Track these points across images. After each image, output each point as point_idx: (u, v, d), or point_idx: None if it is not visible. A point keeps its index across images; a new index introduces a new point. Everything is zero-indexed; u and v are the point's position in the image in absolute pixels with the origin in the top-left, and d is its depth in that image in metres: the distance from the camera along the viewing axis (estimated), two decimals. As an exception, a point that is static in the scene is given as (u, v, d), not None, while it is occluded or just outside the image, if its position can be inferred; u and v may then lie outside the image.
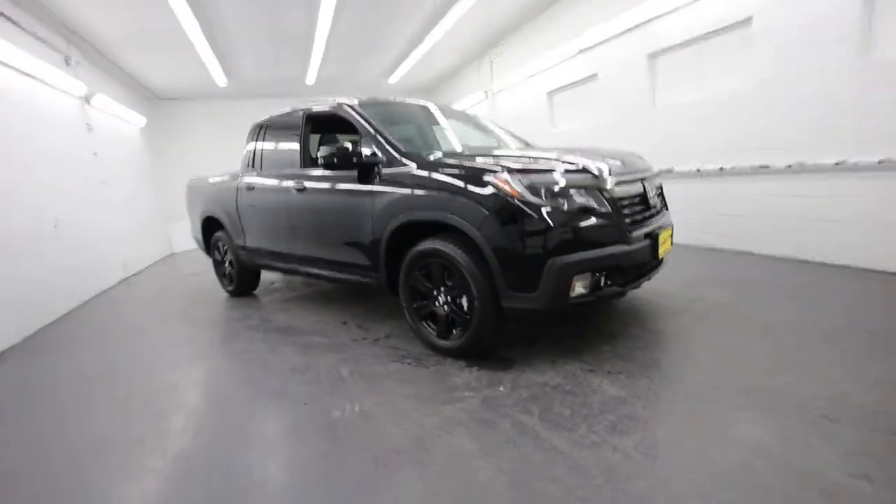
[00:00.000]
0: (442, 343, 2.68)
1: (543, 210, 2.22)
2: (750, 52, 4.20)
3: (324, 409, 2.21)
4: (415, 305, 2.80)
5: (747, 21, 4.16)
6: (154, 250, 8.68)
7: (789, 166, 3.95)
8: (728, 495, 1.41)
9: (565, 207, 2.26)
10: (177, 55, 7.21)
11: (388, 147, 2.88)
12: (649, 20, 5.13)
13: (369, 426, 2.02)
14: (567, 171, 2.36)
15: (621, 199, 2.45)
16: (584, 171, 2.38)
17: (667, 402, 2.03)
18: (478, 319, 2.44)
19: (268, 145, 4.04)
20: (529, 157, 2.50)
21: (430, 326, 2.76)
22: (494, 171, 2.33)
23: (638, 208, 2.59)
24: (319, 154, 2.93)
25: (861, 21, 3.38)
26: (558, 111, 7.22)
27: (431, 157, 2.73)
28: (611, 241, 2.34)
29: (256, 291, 4.95)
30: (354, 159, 2.88)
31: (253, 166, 4.17)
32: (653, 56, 5.25)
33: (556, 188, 2.28)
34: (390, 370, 2.60)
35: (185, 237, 10.05)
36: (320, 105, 3.54)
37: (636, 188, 2.59)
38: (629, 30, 5.41)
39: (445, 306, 2.63)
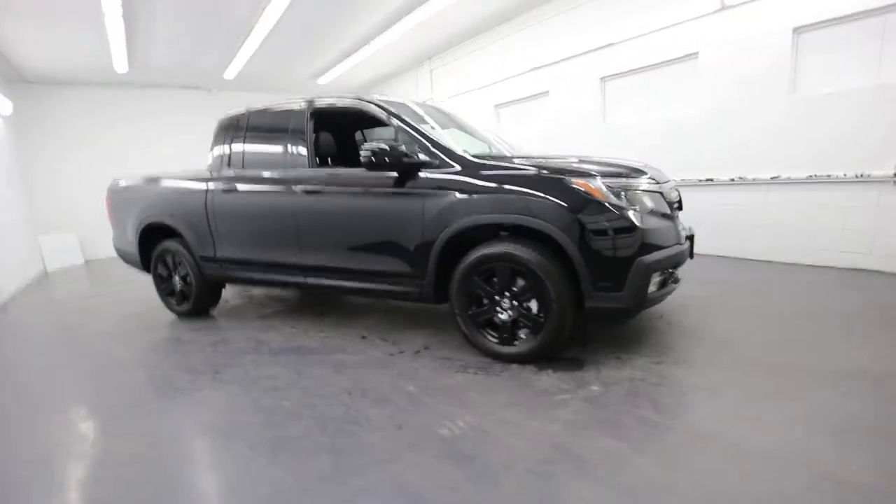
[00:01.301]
0: (506, 350, 2.61)
1: (629, 212, 2.32)
2: (696, 82, 4.90)
3: (425, 430, 2.00)
4: (470, 312, 2.69)
5: (694, 55, 4.85)
6: (25, 268, 6.95)
7: (732, 180, 4.68)
8: (882, 452, 1.63)
9: (642, 209, 2.39)
10: (71, 30, 5.96)
11: (434, 148, 2.74)
12: (602, 47, 5.68)
13: (491, 440, 1.89)
14: (634, 175, 2.51)
15: (671, 202, 2.67)
16: (646, 174, 2.55)
17: (755, 388, 2.21)
18: (555, 322, 2.44)
19: (253, 142, 3.54)
20: (595, 161, 2.60)
21: (488, 333, 2.68)
22: (578, 174, 2.37)
23: (679, 212, 2.84)
24: (363, 152, 2.68)
25: (790, 64, 4.17)
26: (506, 123, 7.55)
27: (480, 160, 2.67)
28: (674, 241, 2.53)
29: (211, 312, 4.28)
30: (400, 160, 2.69)
31: (229, 165, 3.62)
32: (604, 79, 5.81)
33: (632, 191, 2.40)
34: (461, 382, 2.45)
35: (63, 251, 8.26)
36: (331, 99, 3.23)
37: (676, 194, 2.85)
38: (582, 53, 5.93)
39: (510, 311, 2.57)
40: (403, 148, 2.69)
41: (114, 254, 9.05)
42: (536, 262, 2.41)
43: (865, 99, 3.79)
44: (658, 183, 2.56)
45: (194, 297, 3.99)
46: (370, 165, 2.72)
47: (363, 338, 3.27)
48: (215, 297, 4.15)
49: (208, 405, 2.42)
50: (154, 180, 4.09)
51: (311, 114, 3.27)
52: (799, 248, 4.33)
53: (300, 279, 3.33)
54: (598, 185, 2.33)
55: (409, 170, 2.74)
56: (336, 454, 1.88)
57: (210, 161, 3.75)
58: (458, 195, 2.60)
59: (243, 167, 3.55)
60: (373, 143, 2.69)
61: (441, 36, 7.65)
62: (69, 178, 8.58)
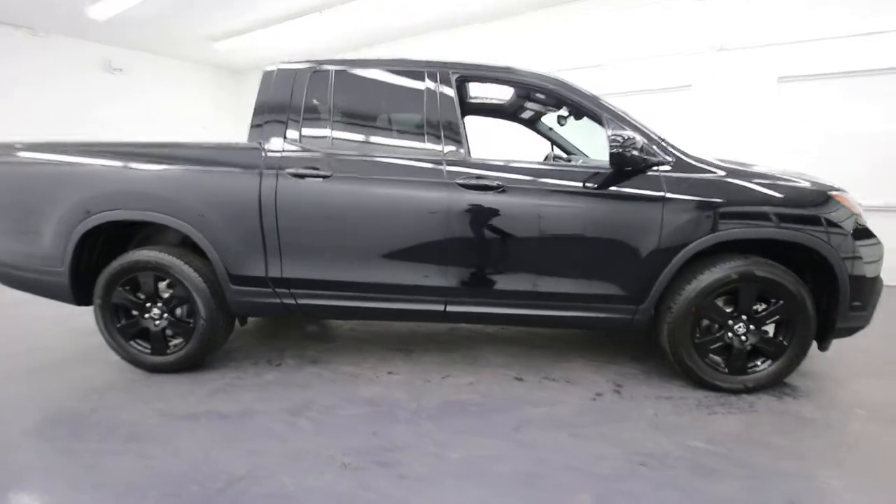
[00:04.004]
0: (737, 379, 2.31)
1: (873, 229, 2.30)
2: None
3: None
4: (697, 340, 2.31)
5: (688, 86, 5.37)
6: None
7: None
8: None
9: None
10: None
11: (666, 144, 2.30)
12: (591, 66, 5.89)
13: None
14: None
15: None
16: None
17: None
18: (799, 347, 2.27)
19: (350, 113, 2.44)
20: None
21: (713, 363, 2.34)
22: (838, 190, 2.25)
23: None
24: (612, 145, 2.06)
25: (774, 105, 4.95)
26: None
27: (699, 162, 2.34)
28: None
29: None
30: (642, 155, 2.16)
31: (300, 141, 2.41)
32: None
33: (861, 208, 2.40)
34: (741, 427, 2.04)
35: None
36: (490, 69, 2.44)
37: None
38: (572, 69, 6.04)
39: (746, 336, 2.29)
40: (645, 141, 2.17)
41: None
42: (793, 283, 2.21)
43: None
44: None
45: (199, 340, 2.52)
46: (619, 159, 2.11)
47: (519, 379, 2.53)
48: (225, 337, 2.72)
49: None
50: (118, 152, 2.47)
51: (457, 83, 2.41)
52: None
53: (436, 307, 2.39)
54: (853, 200, 2.26)
55: (630, 170, 2.23)
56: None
57: (262, 135, 2.43)
58: (699, 201, 2.21)
59: (332, 147, 2.40)
60: (620, 130, 2.11)
61: (398, 22, 6.86)
62: None
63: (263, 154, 2.37)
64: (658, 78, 5.53)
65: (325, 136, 2.42)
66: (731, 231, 2.18)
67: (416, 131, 2.40)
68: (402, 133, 2.48)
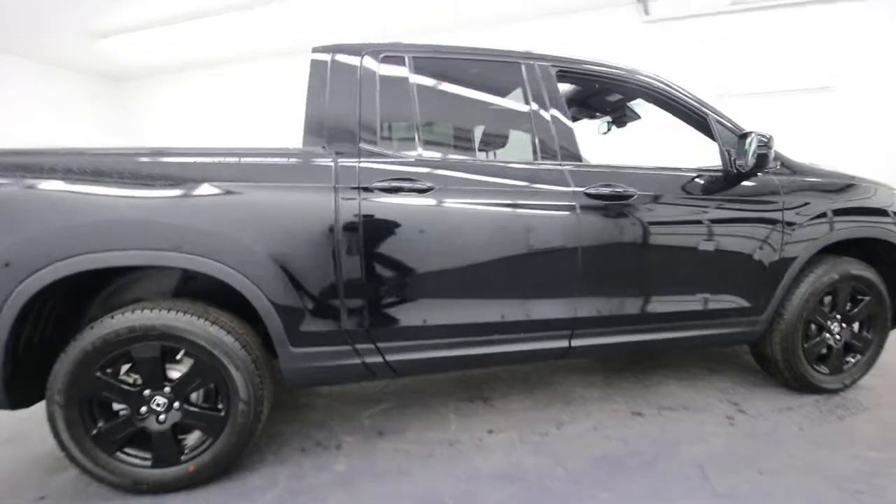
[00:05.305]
0: (838, 379, 2.35)
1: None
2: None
3: None
4: (805, 345, 2.29)
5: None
6: None
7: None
8: None
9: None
10: None
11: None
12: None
13: None
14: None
15: None
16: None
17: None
18: (881, 337, 2.39)
19: (441, 109, 1.95)
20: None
21: (817, 365, 2.34)
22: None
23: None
24: (759, 145, 1.91)
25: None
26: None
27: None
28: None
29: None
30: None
31: (378, 145, 1.82)
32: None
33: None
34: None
35: None
36: (592, 63, 2.15)
37: None
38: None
39: (840, 335, 2.34)
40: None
41: None
42: (876, 278, 2.32)
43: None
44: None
45: (236, 433, 1.74)
46: (763, 161, 1.96)
47: (639, 414, 2.23)
48: (263, 421, 1.94)
49: None
50: (98, 168, 1.62)
51: (557, 77, 2.08)
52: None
53: (560, 343, 1.98)
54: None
55: (755, 172, 2.13)
56: None
57: (326, 139, 1.79)
58: (812, 203, 2.19)
59: (422, 153, 1.87)
60: (754, 131, 1.98)
61: (376, 29, 6.17)
62: None
63: (335, 162, 1.75)
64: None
65: (412, 140, 1.89)
66: (846, 231, 2.22)
67: (525, 131, 2.02)
68: (506, 133, 2.07)
